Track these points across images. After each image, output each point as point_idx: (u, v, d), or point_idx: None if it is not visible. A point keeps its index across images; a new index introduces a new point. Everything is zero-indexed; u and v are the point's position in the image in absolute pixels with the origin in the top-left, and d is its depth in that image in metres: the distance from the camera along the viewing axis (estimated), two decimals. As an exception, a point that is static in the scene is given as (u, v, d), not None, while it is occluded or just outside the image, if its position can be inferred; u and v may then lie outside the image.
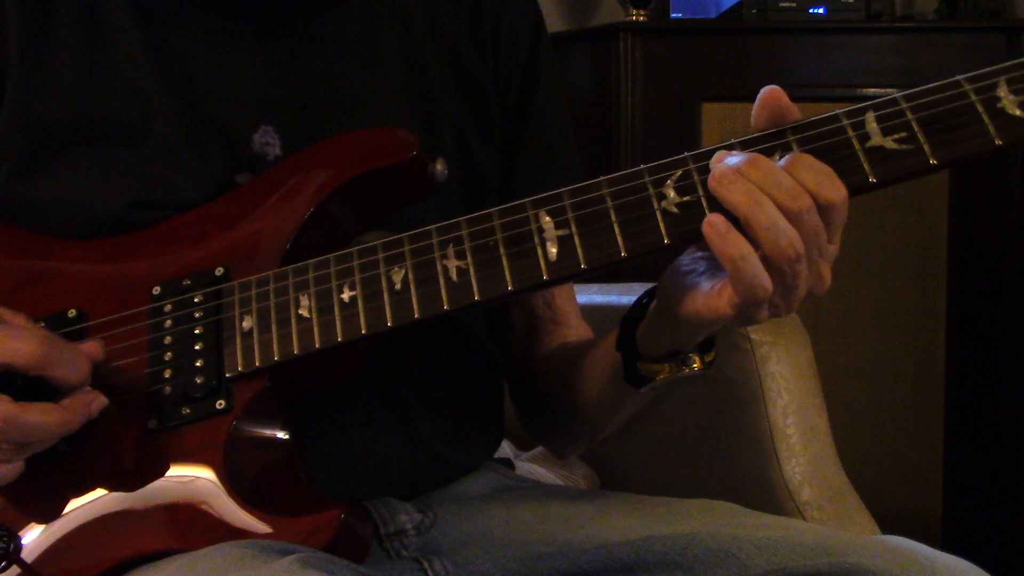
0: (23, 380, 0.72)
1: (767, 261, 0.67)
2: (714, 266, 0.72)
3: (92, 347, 0.77)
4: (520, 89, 1.01)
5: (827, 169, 0.67)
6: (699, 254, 0.75)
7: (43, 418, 0.72)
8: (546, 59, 1.03)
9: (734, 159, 0.68)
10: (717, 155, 0.70)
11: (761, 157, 0.68)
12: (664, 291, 0.77)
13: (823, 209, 0.67)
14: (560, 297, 1.04)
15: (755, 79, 0.72)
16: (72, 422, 0.73)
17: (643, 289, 0.82)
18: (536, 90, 1.02)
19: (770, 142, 0.70)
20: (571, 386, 0.93)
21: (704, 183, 0.70)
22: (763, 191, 0.66)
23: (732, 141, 0.71)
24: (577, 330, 1.04)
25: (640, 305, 0.82)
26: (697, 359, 0.80)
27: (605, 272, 0.73)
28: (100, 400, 0.75)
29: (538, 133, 1.02)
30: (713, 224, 0.67)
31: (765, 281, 0.67)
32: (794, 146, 0.69)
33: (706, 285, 0.72)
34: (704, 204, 0.70)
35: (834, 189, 0.67)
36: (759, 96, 0.71)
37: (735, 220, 0.67)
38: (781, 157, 0.68)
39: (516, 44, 1.01)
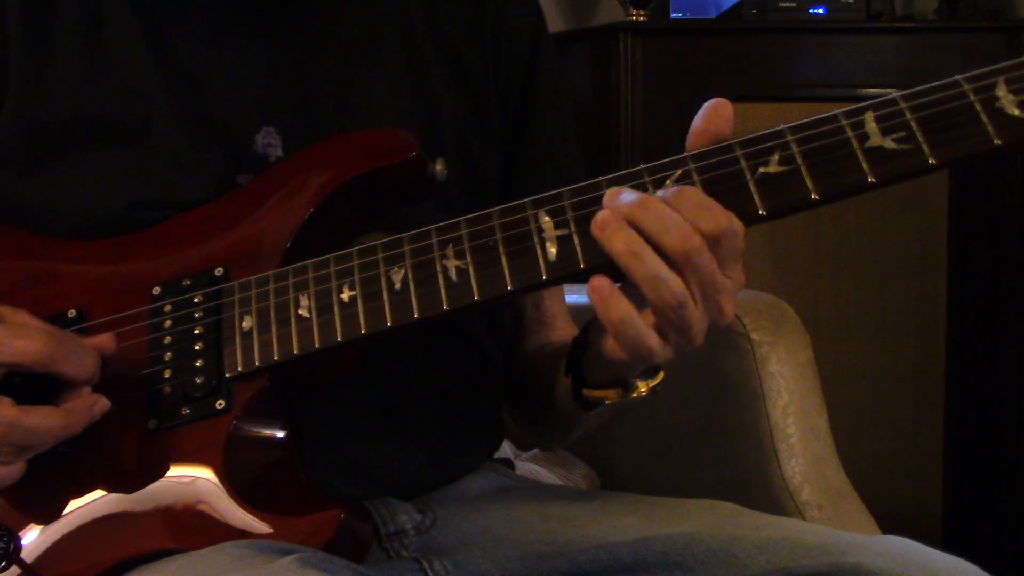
0: (22, 380, 0.72)
1: (653, 307, 0.67)
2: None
3: (103, 341, 0.77)
4: (521, 89, 1.01)
5: (708, 201, 0.66)
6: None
7: (45, 422, 0.72)
8: (547, 59, 1.03)
9: (623, 199, 0.67)
10: (609, 192, 0.69)
11: (650, 200, 0.67)
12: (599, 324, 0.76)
13: (711, 243, 0.66)
14: (549, 299, 1.04)
15: (755, 79, 0.72)
16: (74, 425, 0.73)
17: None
18: (537, 90, 1.02)
19: (768, 142, 0.70)
20: (541, 390, 0.93)
21: (703, 182, 0.70)
22: (649, 237, 0.66)
23: (730, 142, 0.71)
24: (562, 332, 1.04)
25: (587, 328, 0.81)
26: (643, 385, 0.79)
27: (605, 272, 0.73)
28: (102, 403, 0.75)
29: (539, 133, 1.02)
30: (595, 288, 0.67)
31: (649, 341, 0.68)
32: (793, 146, 0.69)
33: None
34: None
35: (712, 220, 0.66)
36: (706, 105, 0.71)
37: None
38: (780, 157, 0.68)
39: (517, 44, 1.01)
